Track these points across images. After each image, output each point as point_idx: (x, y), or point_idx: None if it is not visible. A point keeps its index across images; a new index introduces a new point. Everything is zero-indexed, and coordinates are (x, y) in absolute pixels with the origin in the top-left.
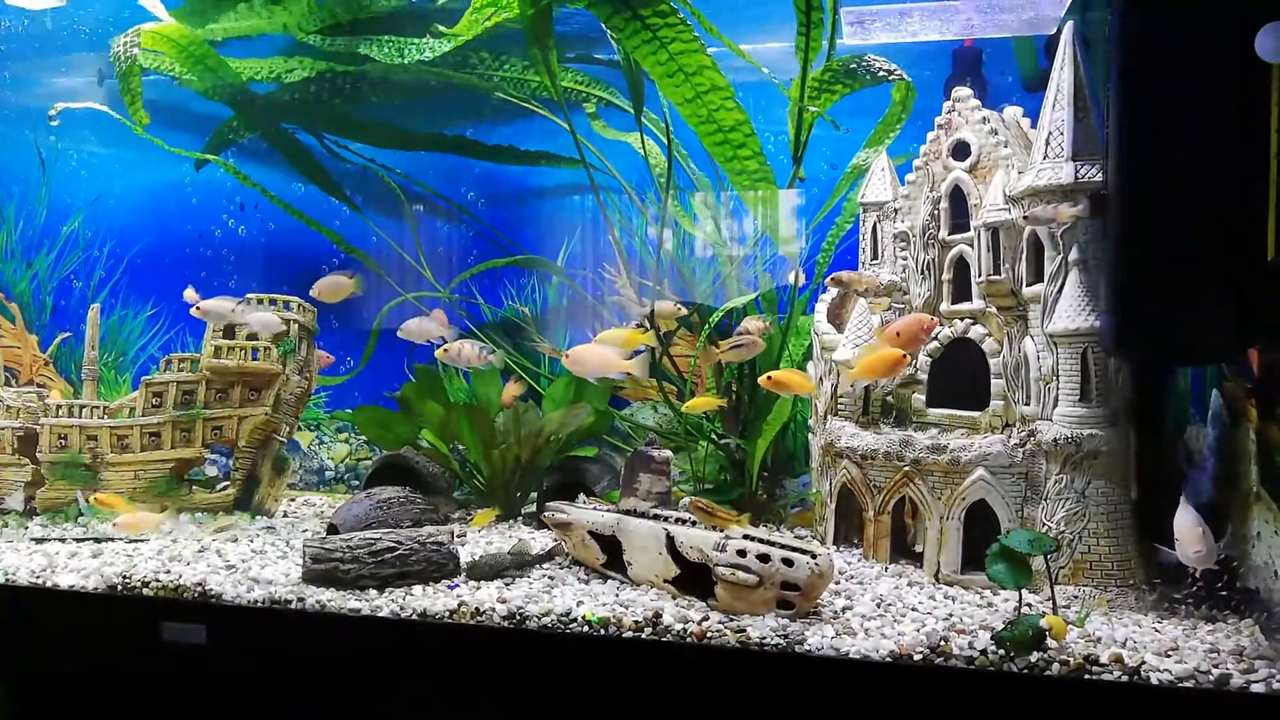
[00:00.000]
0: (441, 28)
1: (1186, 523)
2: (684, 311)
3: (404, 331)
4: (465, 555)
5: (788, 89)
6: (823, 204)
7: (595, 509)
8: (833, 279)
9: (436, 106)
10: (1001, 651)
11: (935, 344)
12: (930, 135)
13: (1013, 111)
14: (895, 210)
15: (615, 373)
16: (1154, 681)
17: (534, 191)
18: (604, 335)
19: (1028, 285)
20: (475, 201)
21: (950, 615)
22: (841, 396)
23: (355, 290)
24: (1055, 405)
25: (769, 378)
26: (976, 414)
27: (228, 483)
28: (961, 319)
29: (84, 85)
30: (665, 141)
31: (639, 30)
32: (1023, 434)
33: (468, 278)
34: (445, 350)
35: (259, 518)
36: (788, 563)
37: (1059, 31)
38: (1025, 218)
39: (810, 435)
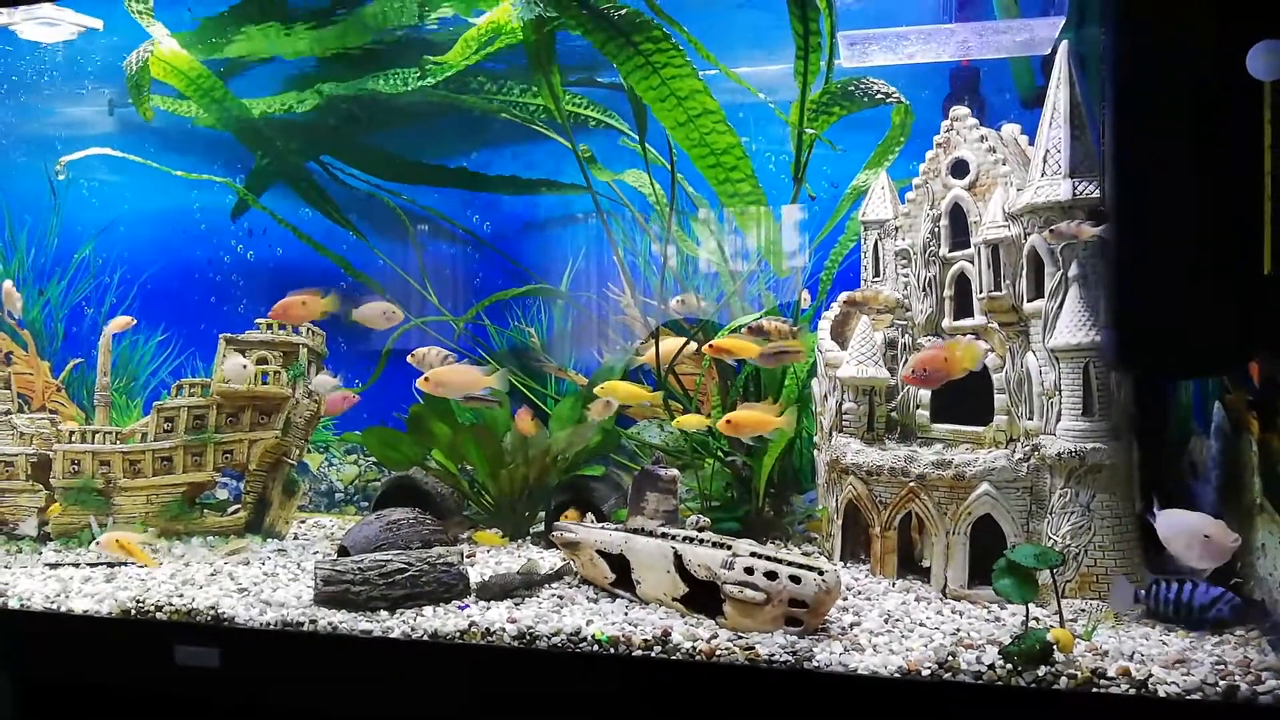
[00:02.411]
0: (432, 59)
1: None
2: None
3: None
4: (475, 576)
5: (786, 114)
6: (825, 223)
7: (603, 528)
8: (846, 300)
9: (439, 138)
10: (1009, 666)
11: None
12: (929, 154)
13: (1010, 129)
14: (896, 228)
15: (478, 390)
16: (1161, 694)
17: (539, 212)
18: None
19: (1029, 301)
20: (480, 224)
21: (958, 630)
22: (845, 413)
23: (329, 309)
24: (1058, 419)
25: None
26: (980, 429)
27: (239, 506)
28: (964, 335)
29: (95, 115)
30: (669, 160)
31: (632, 55)
32: (1027, 448)
33: (481, 309)
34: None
35: (270, 540)
36: (795, 580)
37: (1054, 50)
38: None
39: (816, 452)
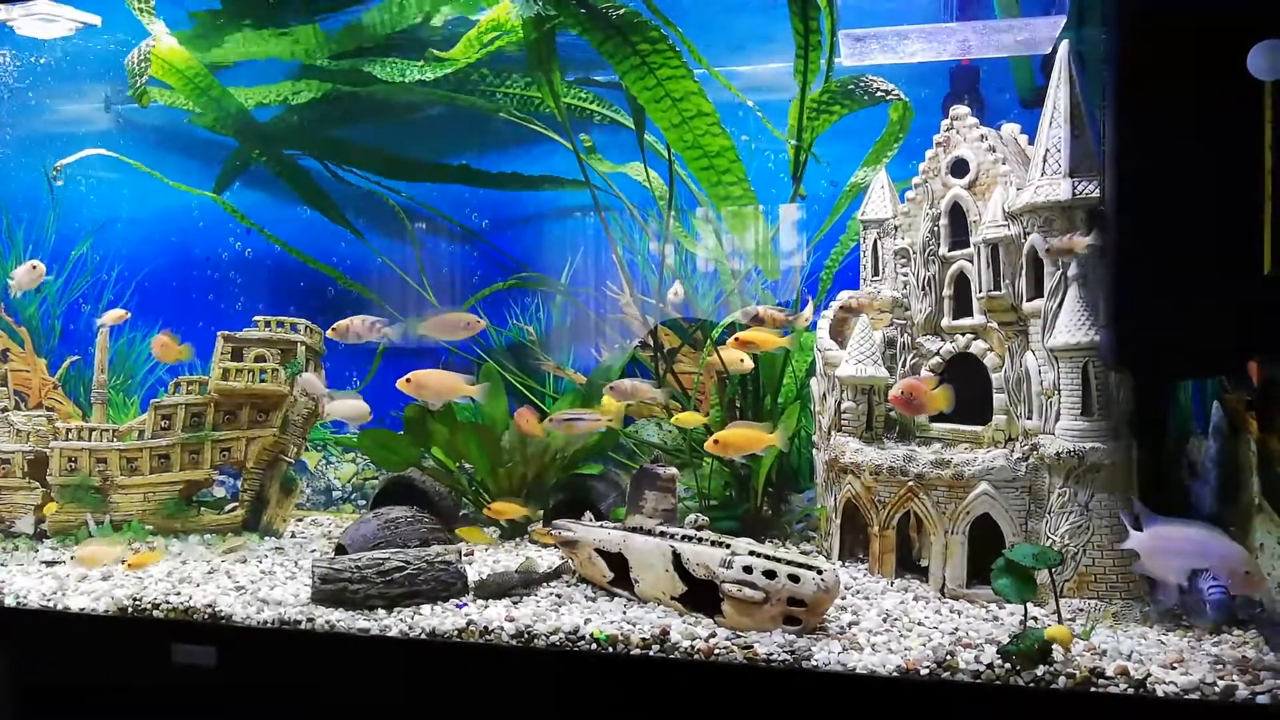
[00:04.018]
0: (436, 52)
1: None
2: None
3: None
4: (473, 574)
5: (771, 121)
6: (823, 222)
7: (601, 527)
8: (843, 307)
9: (439, 134)
10: (1008, 665)
11: (937, 359)
12: (929, 153)
13: (1010, 128)
14: (895, 227)
15: (457, 397)
16: (1160, 694)
17: (538, 210)
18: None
19: (1028, 300)
20: (479, 222)
21: (956, 629)
22: (845, 412)
23: (182, 357)
24: (1057, 419)
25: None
26: (979, 429)
27: (236, 504)
28: (963, 334)
29: (92, 111)
30: (667, 159)
31: (629, 56)
32: (1025, 448)
33: (475, 303)
34: (334, 330)
35: (267, 538)
36: (794, 579)
37: (1055, 50)
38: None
39: (815, 451)
